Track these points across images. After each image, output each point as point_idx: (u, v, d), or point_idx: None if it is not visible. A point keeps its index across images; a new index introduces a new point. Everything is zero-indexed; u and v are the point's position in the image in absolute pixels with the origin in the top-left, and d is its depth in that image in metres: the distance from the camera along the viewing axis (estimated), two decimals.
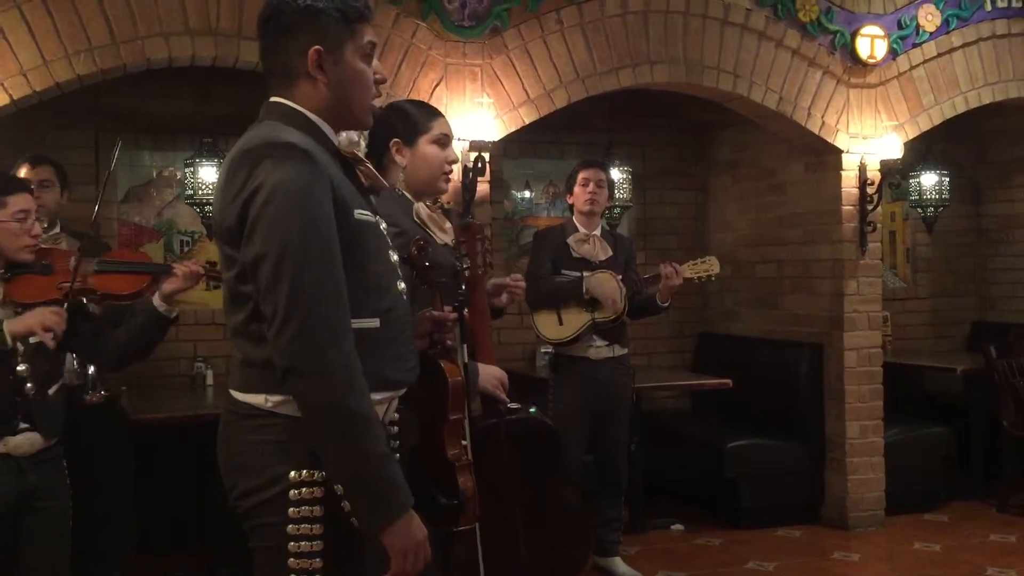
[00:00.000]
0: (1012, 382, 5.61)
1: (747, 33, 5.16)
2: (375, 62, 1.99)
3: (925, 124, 5.55)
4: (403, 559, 1.81)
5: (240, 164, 1.83)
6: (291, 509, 1.82)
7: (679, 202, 6.63)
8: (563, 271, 4.61)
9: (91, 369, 3.68)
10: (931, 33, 5.51)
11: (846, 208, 5.43)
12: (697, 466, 5.73)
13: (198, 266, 3.08)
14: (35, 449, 2.85)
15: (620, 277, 4.53)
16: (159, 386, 5.16)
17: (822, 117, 5.34)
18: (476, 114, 4.63)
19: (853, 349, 5.44)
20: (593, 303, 4.52)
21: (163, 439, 4.68)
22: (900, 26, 5.46)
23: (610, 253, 4.66)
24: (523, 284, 3.11)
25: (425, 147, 2.74)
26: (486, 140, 4.61)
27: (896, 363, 5.97)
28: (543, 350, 5.54)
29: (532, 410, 3.02)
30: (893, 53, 5.45)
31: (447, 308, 2.48)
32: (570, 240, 4.65)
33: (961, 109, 5.60)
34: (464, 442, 2.43)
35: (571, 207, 4.76)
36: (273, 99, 1.95)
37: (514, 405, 2.87)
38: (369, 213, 1.96)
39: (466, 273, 2.76)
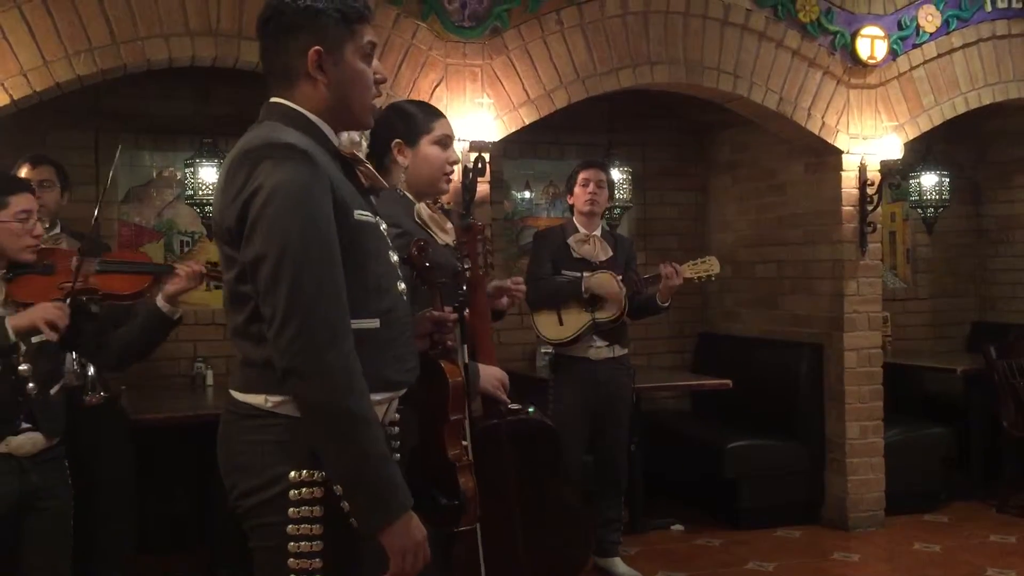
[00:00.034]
0: (1012, 383, 5.61)
1: (747, 34, 5.16)
2: (375, 62, 1.99)
3: (925, 125, 5.55)
4: (402, 559, 1.81)
5: (240, 165, 1.83)
6: (291, 509, 1.82)
7: (679, 202, 6.63)
8: (563, 271, 4.61)
9: (91, 370, 3.69)
10: (931, 34, 5.51)
11: (846, 209, 5.43)
12: (697, 466, 5.73)
13: (200, 266, 3.08)
14: (37, 449, 2.85)
15: (620, 277, 4.53)
16: (159, 386, 5.16)
17: (822, 118, 5.35)
18: (476, 114, 4.63)
19: (853, 349, 5.44)
20: (593, 302, 4.52)
21: (163, 439, 4.68)
22: (900, 27, 5.46)
23: (610, 253, 4.66)
24: (523, 288, 3.11)
25: (427, 148, 2.74)
26: (486, 140, 4.61)
27: (896, 363, 5.97)
28: (543, 350, 5.54)
29: (531, 409, 3.02)
30: (893, 54, 5.45)
31: (447, 308, 2.48)
32: (570, 240, 4.65)
33: (961, 110, 5.61)
34: (465, 442, 2.43)
35: (571, 207, 4.76)
36: (273, 100, 1.95)
37: (515, 406, 2.87)
38: (369, 214, 1.96)
39: (467, 274, 2.76)
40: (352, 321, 1.82)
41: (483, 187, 4.69)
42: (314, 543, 1.82)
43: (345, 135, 2.09)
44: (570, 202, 4.75)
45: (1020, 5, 5.63)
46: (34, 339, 2.80)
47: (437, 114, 2.81)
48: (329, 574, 1.84)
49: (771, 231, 6.03)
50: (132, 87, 5.06)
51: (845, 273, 5.44)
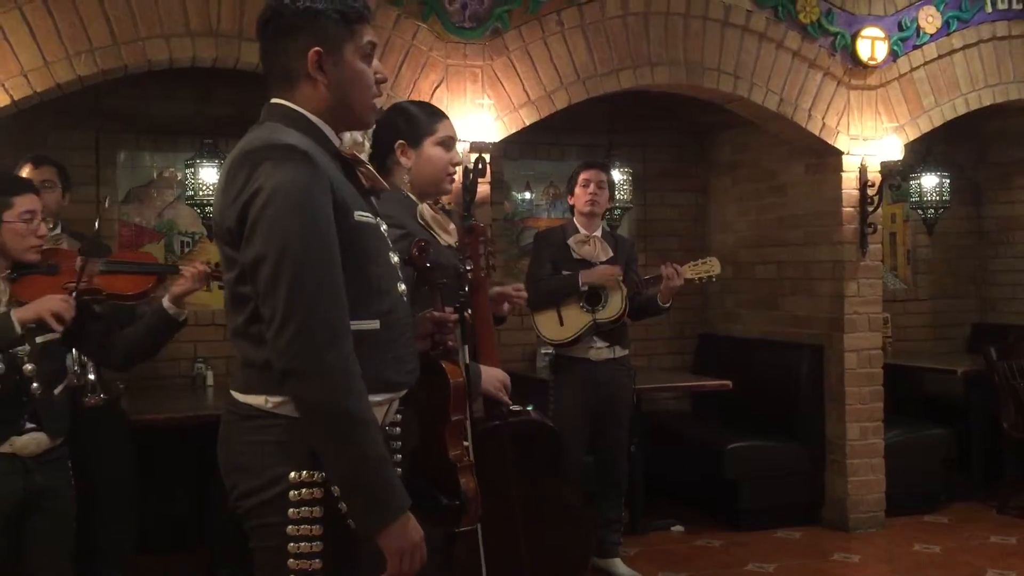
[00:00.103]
0: (1012, 384, 5.61)
1: (748, 35, 5.16)
2: (375, 62, 1.99)
3: (925, 126, 5.56)
4: (399, 560, 1.81)
5: (240, 166, 1.83)
6: (291, 510, 1.82)
7: (679, 203, 6.63)
8: (564, 272, 4.61)
9: (91, 371, 3.69)
10: (932, 35, 5.51)
11: (846, 210, 5.43)
12: (697, 467, 5.73)
13: (205, 266, 3.08)
14: (41, 449, 2.86)
15: (621, 278, 4.53)
16: (159, 387, 5.16)
17: (822, 119, 5.35)
18: (477, 115, 4.63)
19: (853, 351, 5.44)
20: (593, 299, 4.52)
21: (163, 439, 4.68)
22: (901, 28, 5.46)
23: (611, 254, 4.66)
24: (525, 295, 3.11)
25: (430, 149, 2.74)
26: (487, 141, 4.61)
27: (896, 365, 5.97)
28: (543, 351, 5.54)
29: (529, 407, 3.02)
30: (894, 55, 5.45)
31: (448, 309, 2.48)
32: (571, 241, 4.65)
33: (962, 111, 5.61)
34: (466, 443, 2.43)
35: (572, 208, 4.76)
36: (274, 100, 1.95)
37: (516, 407, 2.87)
38: (369, 215, 1.96)
39: (469, 275, 2.76)
40: (352, 322, 1.82)
41: (483, 188, 4.69)
42: (314, 544, 1.82)
43: (348, 135, 2.09)
44: (571, 203, 4.76)
45: (1020, 6, 5.64)
46: (38, 339, 2.81)
47: (440, 115, 2.81)
48: (329, 575, 1.84)
49: (771, 232, 6.03)
50: (133, 88, 5.06)
51: (845, 274, 5.44)
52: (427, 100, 4.42)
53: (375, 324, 1.92)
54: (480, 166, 4.52)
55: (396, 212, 2.51)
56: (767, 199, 6.06)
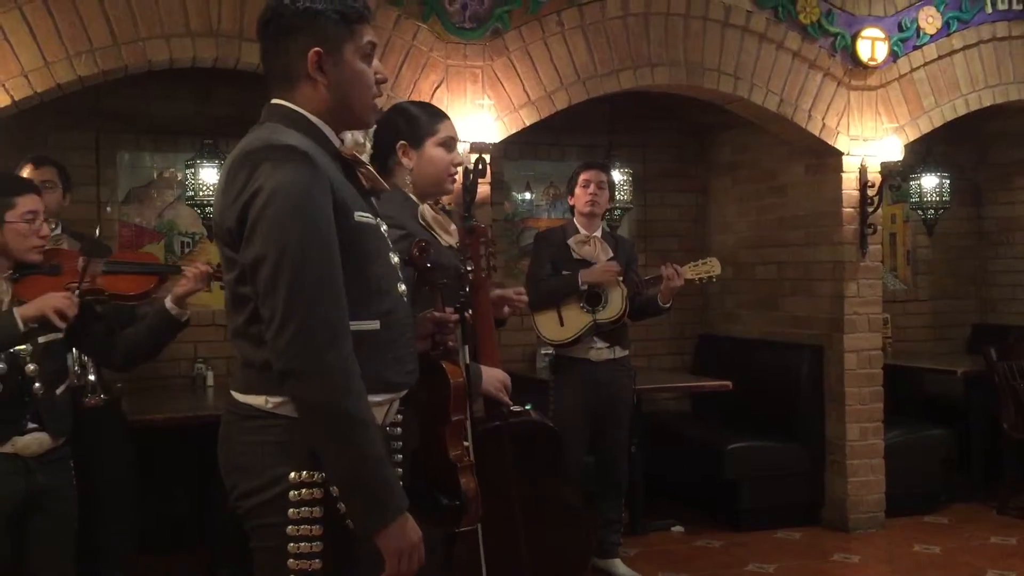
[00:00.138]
0: (1012, 384, 5.61)
1: (748, 35, 5.16)
2: (375, 62, 1.99)
3: (926, 126, 5.56)
4: (397, 561, 1.81)
5: (240, 166, 1.83)
6: (291, 510, 1.82)
7: (680, 204, 6.63)
8: (564, 272, 4.61)
9: (91, 372, 3.69)
10: (932, 35, 5.52)
11: (846, 210, 5.43)
12: (697, 468, 5.73)
13: (207, 266, 3.08)
14: (43, 449, 2.86)
15: (620, 275, 4.53)
16: (159, 387, 5.16)
17: (823, 119, 5.35)
18: (477, 116, 4.64)
19: (853, 351, 5.44)
20: (593, 299, 4.52)
21: (163, 439, 4.68)
22: (901, 28, 5.46)
23: (611, 255, 4.66)
24: (525, 299, 3.11)
25: (431, 149, 2.74)
26: (487, 142, 4.61)
27: (896, 365, 5.97)
28: (543, 351, 5.54)
29: (528, 406, 3.02)
30: (894, 55, 5.45)
31: (448, 309, 2.49)
32: (571, 242, 4.65)
33: (962, 111, 5.61)
34: (466, 443, 2.43)
35: (572, 208, 4.76)
36: (274, 101, 1.96)
37: (516, 408, 2.88)
38: (370, 215, 1.96)
39: (470, 276, 2.76)
40: (352, 323, 1.82)
41: (483, 188, 4.69)
42: (314, 544, 1.82)
43: (349, 135, 2.09)
44: (571, 203, 4.76)
45: (1021, 7, 5.64)
46: (41, 339, 2.81)
47: (441, 116, 2.81)
48: (328, 575, 1.84)
49: (771, 232, 6.03)
50: (133, 88, 5.06)
51: (845, 275, 5.44)
52: (427, 100, 4.42)
53: (375, 324, 1.92)
54: (480, 167, 4.53)
55: (397, 213, 2.51)
56: (767, 200, 6.07)
